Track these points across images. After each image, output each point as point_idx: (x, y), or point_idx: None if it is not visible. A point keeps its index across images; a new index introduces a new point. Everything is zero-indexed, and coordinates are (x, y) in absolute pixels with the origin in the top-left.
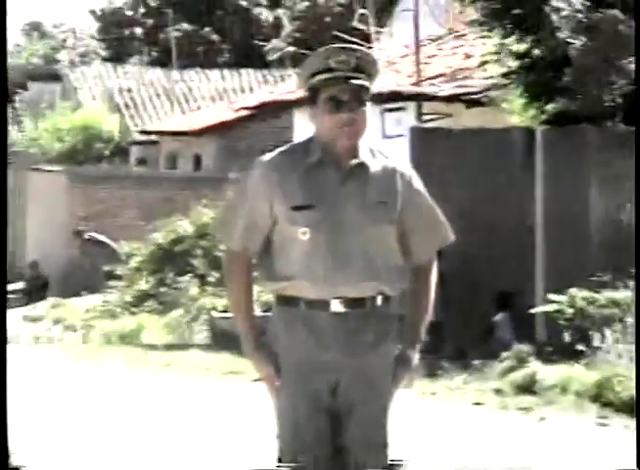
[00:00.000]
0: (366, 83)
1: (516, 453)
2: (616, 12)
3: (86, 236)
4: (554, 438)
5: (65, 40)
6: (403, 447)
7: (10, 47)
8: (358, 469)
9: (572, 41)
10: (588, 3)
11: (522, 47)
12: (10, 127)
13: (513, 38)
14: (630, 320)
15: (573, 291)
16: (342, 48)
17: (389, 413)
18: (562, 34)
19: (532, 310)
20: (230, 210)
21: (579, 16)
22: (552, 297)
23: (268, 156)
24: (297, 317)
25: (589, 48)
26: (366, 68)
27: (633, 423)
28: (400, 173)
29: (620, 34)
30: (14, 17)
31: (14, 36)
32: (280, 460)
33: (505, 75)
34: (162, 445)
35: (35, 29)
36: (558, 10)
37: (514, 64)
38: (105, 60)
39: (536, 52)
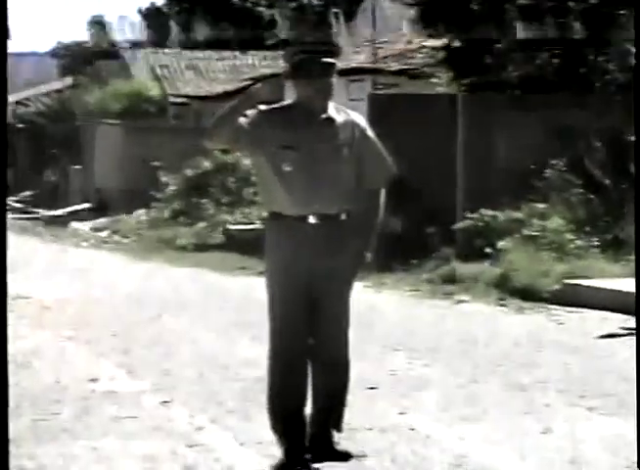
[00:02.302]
0: (333, 61)
1: (441, 325)
2: None
3: (151, 164)
4: (468, 313)
5: (124, 29)
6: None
7: (83, 33)
8: (327, 341)
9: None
10: None
11: (445, 40)
12: (83, 92)
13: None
14: (526, 232)
15: (483, 210)
16: (316, 36)
17: (350, 294)
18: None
19: (454, 226)
20: (231, 113)
21: None
22: (468, 215)
23: (265, 107)
24: (284, 227)
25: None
26: (333, 50)
27: (524, 304)
28: (357, 125)
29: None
30: (85, 10)
31: (84, 26)
32: (271, 336)
33: (437, 61)
34: (192, 308)
35: (100, 21)
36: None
37: (441, 52)
38: (151, 44)
39: (456, 43)
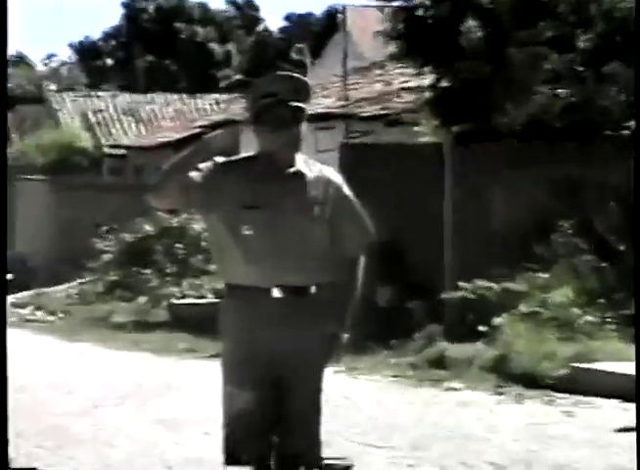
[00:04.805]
0: (302, 105)
1: (428, 417)
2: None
3: (103, 229)
4: (460, 403)
5: (56, 69)
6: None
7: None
8: (294, 435)
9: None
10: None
11: (431, 79)
12: None
13: (425, 69)
14: (522, 308)
15: (476, 281)
16: (283, 76)
17: (322, 383)
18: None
19: (442, 296)
20: (181, 165)
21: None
22: (460, 284)
23: (222, 159)
24: (243, 302)
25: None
26: (302, 92)
27: (525, 392)
28: (331, 181)
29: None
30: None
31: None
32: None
33: (421, 104)
34: (131, 398)
35: (22, 60)
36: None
37: (426, 94)
38: (84, 86)
39: (443, 83)
